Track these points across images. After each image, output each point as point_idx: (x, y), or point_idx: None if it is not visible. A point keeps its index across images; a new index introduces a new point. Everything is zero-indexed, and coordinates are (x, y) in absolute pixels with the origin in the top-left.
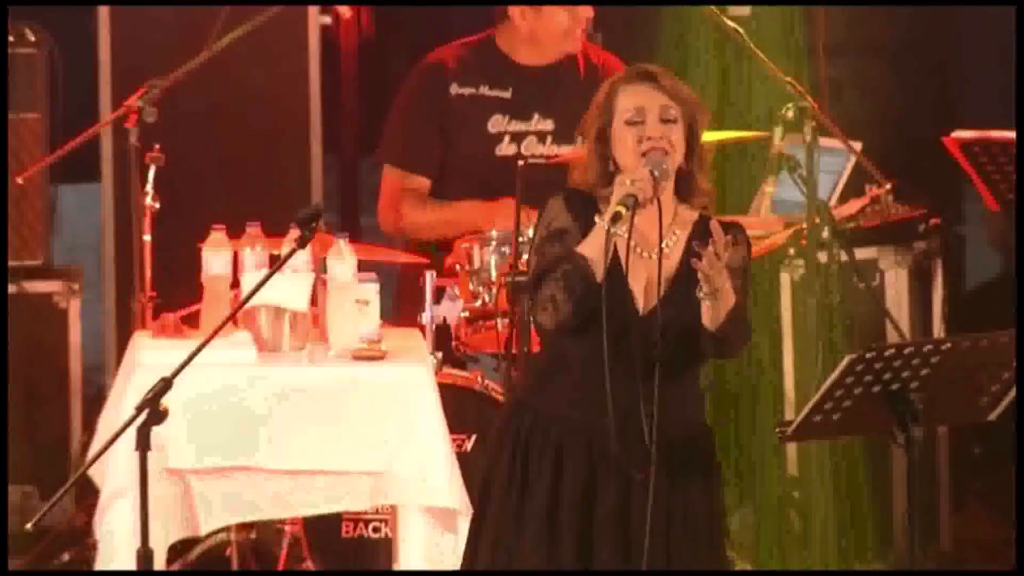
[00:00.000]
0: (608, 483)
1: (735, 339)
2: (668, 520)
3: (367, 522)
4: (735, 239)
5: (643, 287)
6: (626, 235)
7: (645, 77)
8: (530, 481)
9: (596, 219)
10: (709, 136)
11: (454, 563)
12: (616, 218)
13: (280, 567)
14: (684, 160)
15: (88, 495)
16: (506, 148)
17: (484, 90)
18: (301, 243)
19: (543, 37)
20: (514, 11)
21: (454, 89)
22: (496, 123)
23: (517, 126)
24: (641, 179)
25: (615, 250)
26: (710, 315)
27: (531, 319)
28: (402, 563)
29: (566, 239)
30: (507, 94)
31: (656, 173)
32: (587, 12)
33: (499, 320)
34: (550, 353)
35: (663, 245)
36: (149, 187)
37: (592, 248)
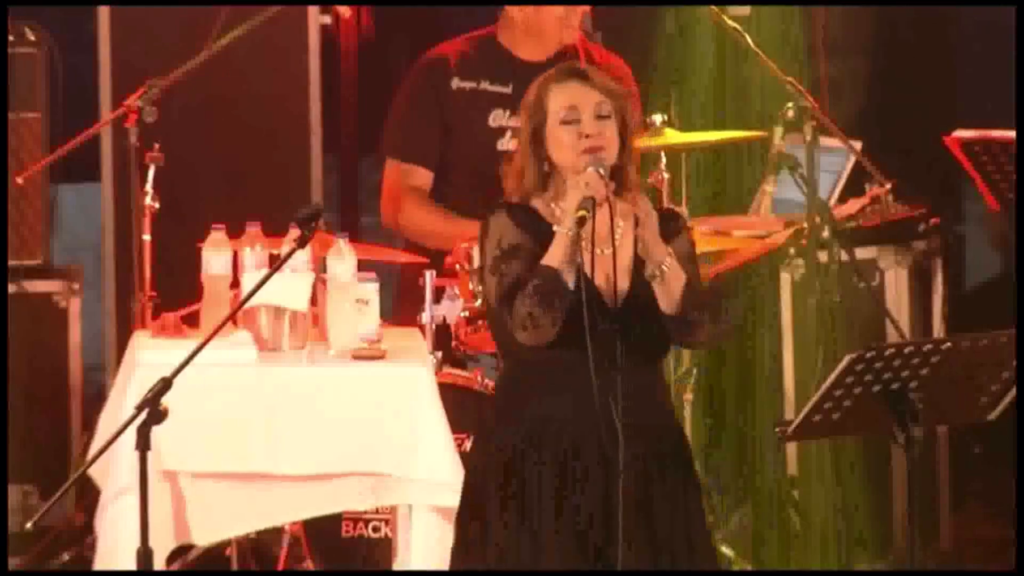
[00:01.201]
0: (615, 477)
1: (701, 319)
2: (671, 505)
3: (367, 522)
4: (676, 227)
5: (607, 283)
6: (587, 237)
7: (575, 75)
8: (538, 494)
9: (555, 228)
10: (709, 136)
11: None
12: (582, 222)
13: (280, 567)
14: (617, 154)
15: (88, 495)
16: (507, 143)
17: (485, 85)
18: (301, 243)
19: (541, 26)
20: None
21: (455, 83)
22: (497, 117)
23: (518, 121)
24: (593, 179)
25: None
26: (664, 297)
27: (499, 337)
28: (402, 563)
29: (522, 254)
30: (507, 89)
31: (603, 171)
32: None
33: None
34: (523, 361)
35: (608, 242)
36: (149, 187)
37: (557, 258)
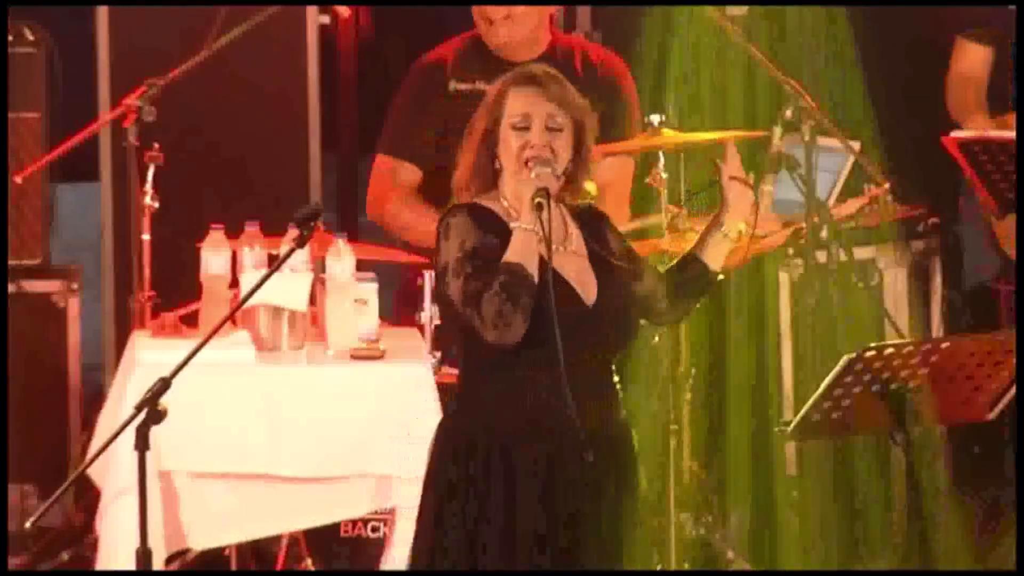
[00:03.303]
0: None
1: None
2: (612, 502)
3: (365, 522)
4: (609, 226)
5: (579, 280)
6: (545, 229)
7: (533, 82)
8: (519, 500)
9: (511, 225)
10: (708, 136)
11: None
12: (540, 208)
13: (279, 567)
14: (571, 163)
15: (87, 494)
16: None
17: (480, 85)
18: (300, 242)
19: (479, 23)
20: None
21: (452, 86)
22: None
23: None
24: (543, 173)
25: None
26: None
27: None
28: (399, 563)
29: (485, 254)
30: None
31: (550, 170)
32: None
33: None
34: (487, 361)
35: (566, 242)
36: (148, 186)
37: (519, 253)
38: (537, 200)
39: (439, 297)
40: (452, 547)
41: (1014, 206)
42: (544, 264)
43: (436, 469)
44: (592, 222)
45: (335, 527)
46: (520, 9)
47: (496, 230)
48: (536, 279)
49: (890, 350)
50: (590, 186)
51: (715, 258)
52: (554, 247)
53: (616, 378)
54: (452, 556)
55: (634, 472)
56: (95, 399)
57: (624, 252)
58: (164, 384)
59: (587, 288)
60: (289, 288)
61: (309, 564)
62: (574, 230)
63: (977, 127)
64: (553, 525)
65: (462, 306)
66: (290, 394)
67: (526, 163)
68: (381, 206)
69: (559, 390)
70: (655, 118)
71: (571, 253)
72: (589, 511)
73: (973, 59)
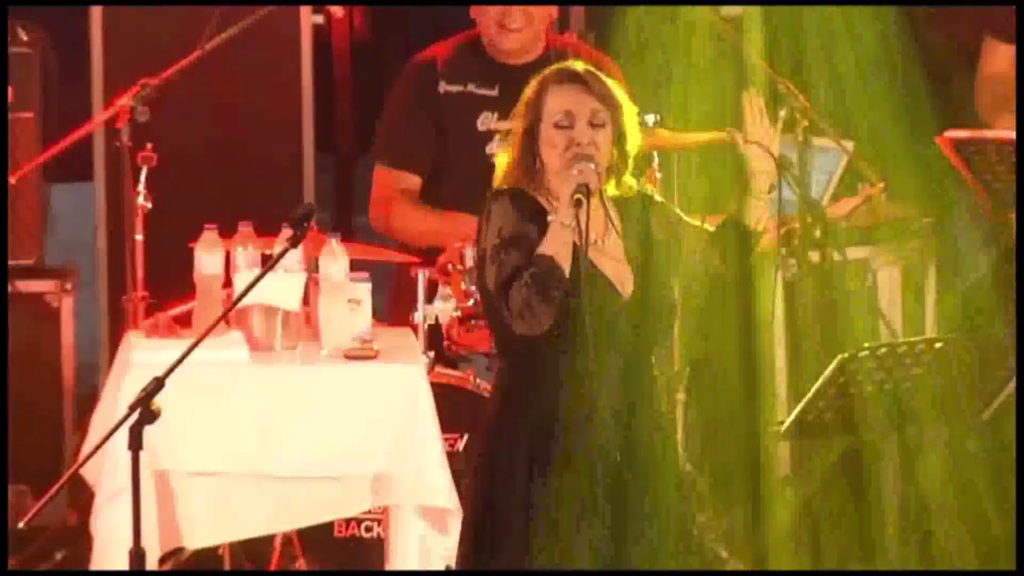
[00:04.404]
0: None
1: None
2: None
3: (359, 521)
4: (656, 211)
5: (614, 274)
6: (582, 226)
7: (574, 79)
8: (554, 488)
9: (549, 219)
10: (703, 136)
11: (446, 563)
12: (579, 204)
13: (273, 567)
14: (610, 161)
15: (81, 494)
16: (496, 146)
17: (472, 88)
18: (293, 242)
19: (485, 31)
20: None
21: (443, 87)
22: (485, 120)
23: (506, 124)
24: (584, 169)
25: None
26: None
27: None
28: (396, 563)
29: (522, 243)
30: (494, 92)
31: (592, 165)
32: (544, 10)
33: None
34: (525, 354)
35: (605, 236)
36: (141, 186)
37: (553, 246)
38: (577, 197)
39: (478, 285)
40: (504, 540)
41: (1009, 206)
42: (578, 260)
43: (485, 463)
44: (638, 209)
45: (329, 527)
46: (536, 16)
47: (537, 218)
48: (567, 273)
49: (884, 350)
50: (631, 179)
51: (755, 220)
52: (592, 240)
53: (656, 371)
54: (503, 552)
55: (676, 463)
56: (89, 399)
57: (671, 235)
58: (158, 384)
59: (624, 282)
60: (283, 288)
61: (303, 564)
62: (612, 226)
63: (1007, 126)
64: (600, 516)
65: (495, 292)
66: (284, 394)
67: (571, 160)
68: (386, 216)
69: (592, 383)
70: (650, 118)
71: (608, 248)
72: (632, 503)
73: (1004, 58)
